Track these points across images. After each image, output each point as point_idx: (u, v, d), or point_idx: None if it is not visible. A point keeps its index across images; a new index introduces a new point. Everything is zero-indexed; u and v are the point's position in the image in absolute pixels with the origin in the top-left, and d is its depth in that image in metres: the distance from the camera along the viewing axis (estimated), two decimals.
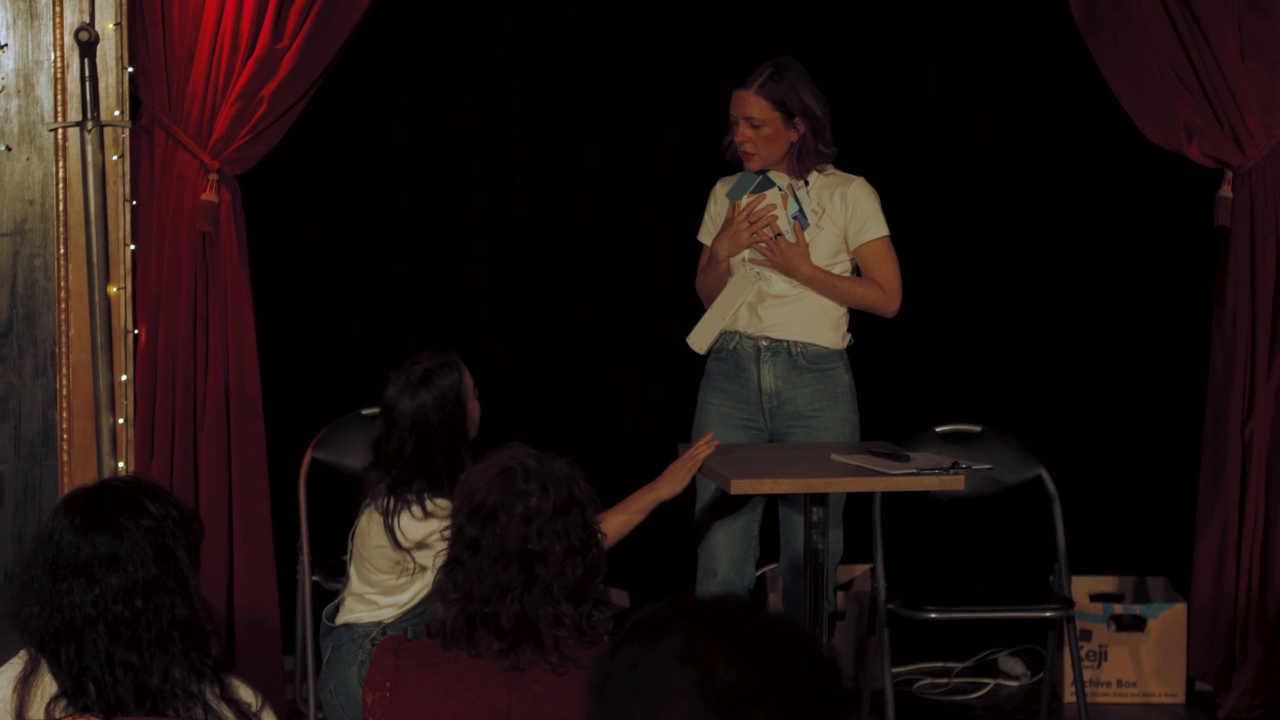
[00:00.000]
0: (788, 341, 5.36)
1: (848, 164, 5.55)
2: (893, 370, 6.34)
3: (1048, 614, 5.64)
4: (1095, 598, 6.17)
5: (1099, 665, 6.00)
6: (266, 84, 5.55)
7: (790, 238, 5.34)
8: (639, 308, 6.33)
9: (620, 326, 6.35)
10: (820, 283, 5.34)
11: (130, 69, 5.50)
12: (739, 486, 4.72)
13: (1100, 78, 5.81)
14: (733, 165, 5.49)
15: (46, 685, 3.04)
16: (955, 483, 4.80)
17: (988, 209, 6.39)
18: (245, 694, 3.10)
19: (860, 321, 5.58)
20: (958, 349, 6.41)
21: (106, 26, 5.46)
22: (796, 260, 5.32)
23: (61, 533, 3.03)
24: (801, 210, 5.34)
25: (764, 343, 5.37)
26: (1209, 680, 5.95)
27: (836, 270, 5.38)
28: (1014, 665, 6.27)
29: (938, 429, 5.79)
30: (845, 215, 5.37)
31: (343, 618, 4.66)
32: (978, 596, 5.70)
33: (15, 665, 3.08)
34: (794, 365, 5.36)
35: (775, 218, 5.34)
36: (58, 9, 5.46)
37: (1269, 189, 5.77)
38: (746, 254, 5.37)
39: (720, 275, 5.43)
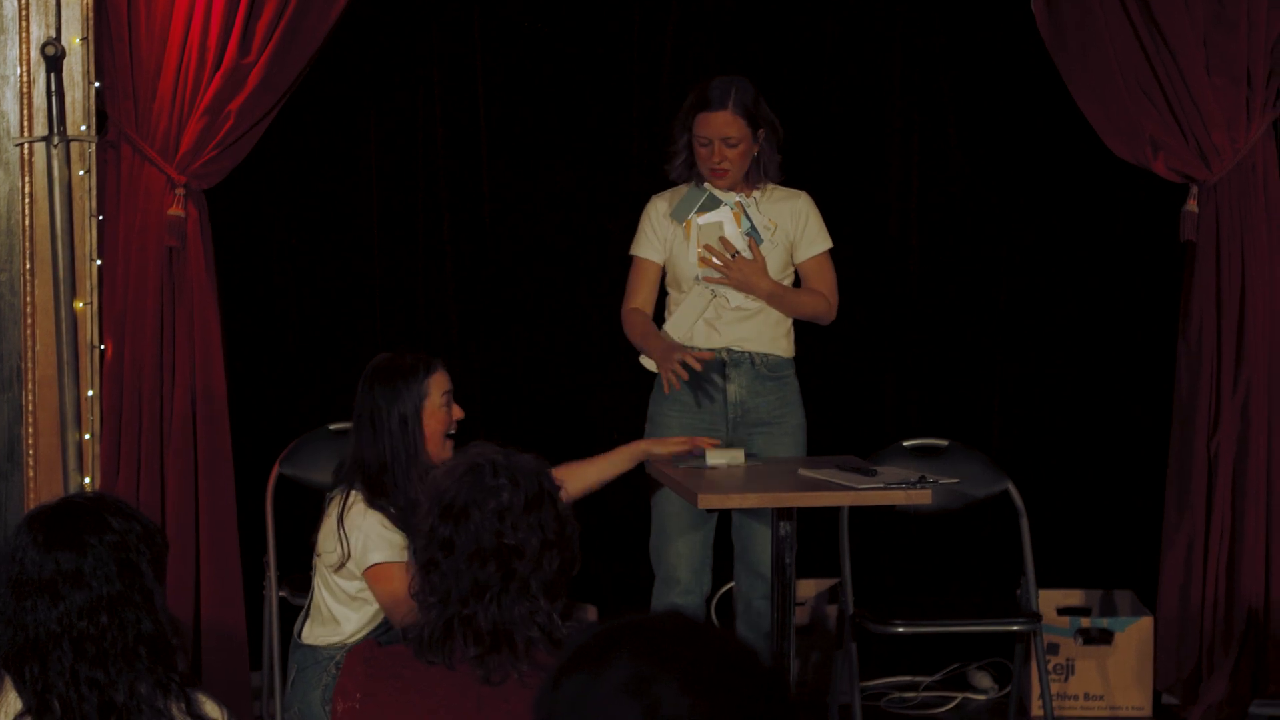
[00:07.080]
0: (750, 353, 5.40)
1: (816, 178, 5.56)
2: (860, 384, 6.35)
3: (1015, 628, 5.66)
4: (1062, 611, 6.18)
5: (1066, 679, 6.01)
6: (234, 98, 5.54)
7: (746, 255, 5.36)
8: (605, 323, 6.32)
9: (587, 341, 6.34)
10: (777, 297, 5.38)
11: (97, 84, 5.49)
12: (706, 501, 4.73)
13: (1067, 93, 5.83)
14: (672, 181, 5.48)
15: (11, 703, 3.02)
16: (922, 497, 4.80)
17: (956, 224, 6.40)
18: (211, 709, 3.10)
19: (828, 336, 5.60)
20: (926, 363, 6.42)
21: (73, 41, 5.45)
22: (755, 277, 5.35)
23: (24, 550, 3.02)
24: (754, 226, 5.37)
25: (726, 355, 5.40)
26: (1176, 693, 5.97)
27: (785, 284, 5.42)
28: (982, 679, 6.27)
29: (905, 443, 5.80)
30: (795, 229, 5.40)
31: (307, 638, 4.61)
32: (945, 610, 5.71)
33: None
34: (756, 375, 5.40)
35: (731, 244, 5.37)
36: (24, 24, 5.45)
37: (1234, 203, 5.79)
38: (700, 272, 5.39)
39: (647, 341, 5.39)
